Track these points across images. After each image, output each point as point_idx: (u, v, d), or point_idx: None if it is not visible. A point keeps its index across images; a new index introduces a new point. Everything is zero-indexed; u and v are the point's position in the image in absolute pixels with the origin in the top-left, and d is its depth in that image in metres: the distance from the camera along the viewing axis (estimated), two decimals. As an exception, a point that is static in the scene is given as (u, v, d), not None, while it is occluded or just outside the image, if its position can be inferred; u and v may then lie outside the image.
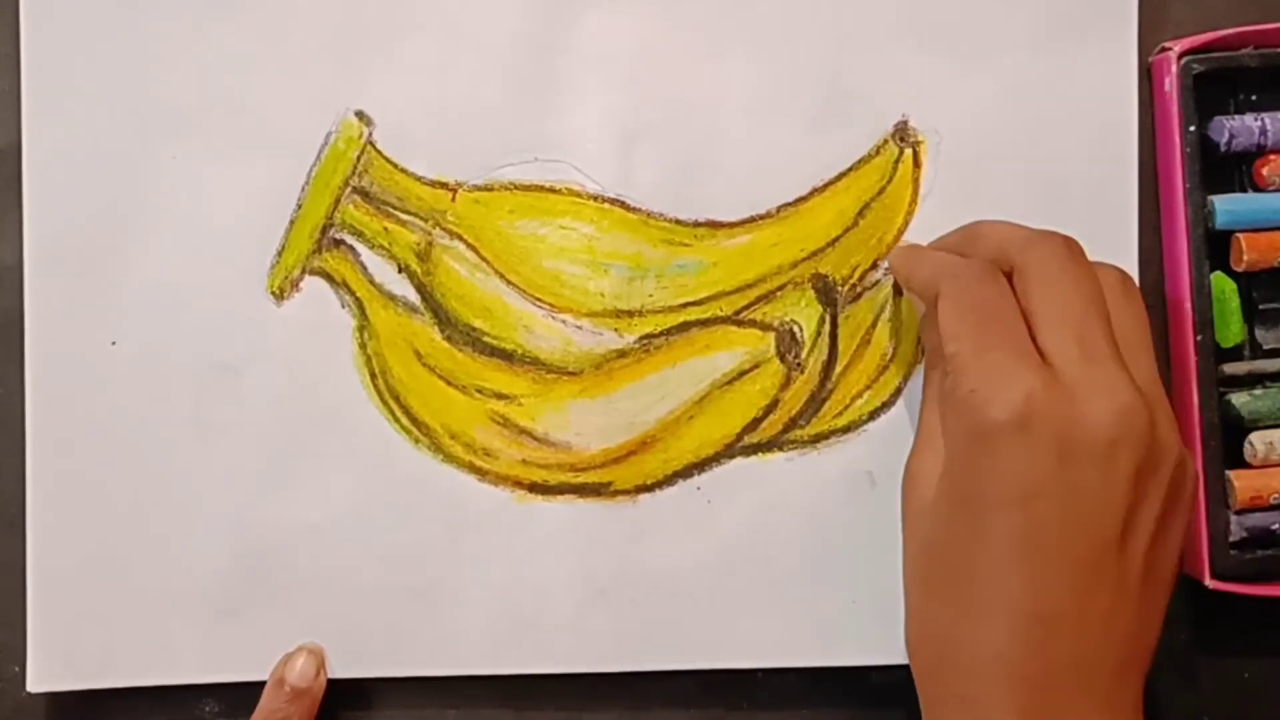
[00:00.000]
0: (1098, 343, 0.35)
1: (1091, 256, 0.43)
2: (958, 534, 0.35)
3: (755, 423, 0.43)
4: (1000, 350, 0.34)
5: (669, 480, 0.43)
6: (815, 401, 0.44)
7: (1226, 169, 0.44)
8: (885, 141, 0.43)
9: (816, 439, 0.44)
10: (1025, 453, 0.33)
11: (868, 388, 0.44)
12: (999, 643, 0.34)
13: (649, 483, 0.43)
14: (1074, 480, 0.33)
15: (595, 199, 0.43)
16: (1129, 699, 0.35)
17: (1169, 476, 0.35)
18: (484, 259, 0.43)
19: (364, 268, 0.43)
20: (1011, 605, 0.34)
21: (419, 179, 0.43)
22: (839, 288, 0.44)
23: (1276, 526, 0.43)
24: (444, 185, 0.43)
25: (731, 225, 0.43)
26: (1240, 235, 0.43)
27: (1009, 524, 0.34)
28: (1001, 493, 0.34)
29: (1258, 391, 0.43)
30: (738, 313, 0.43)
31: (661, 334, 0.43)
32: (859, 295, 0.44)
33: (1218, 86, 0.44)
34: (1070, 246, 0.37)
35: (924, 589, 0.36)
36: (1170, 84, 0.43)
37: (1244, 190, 0.44)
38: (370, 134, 0.43)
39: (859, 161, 0.43)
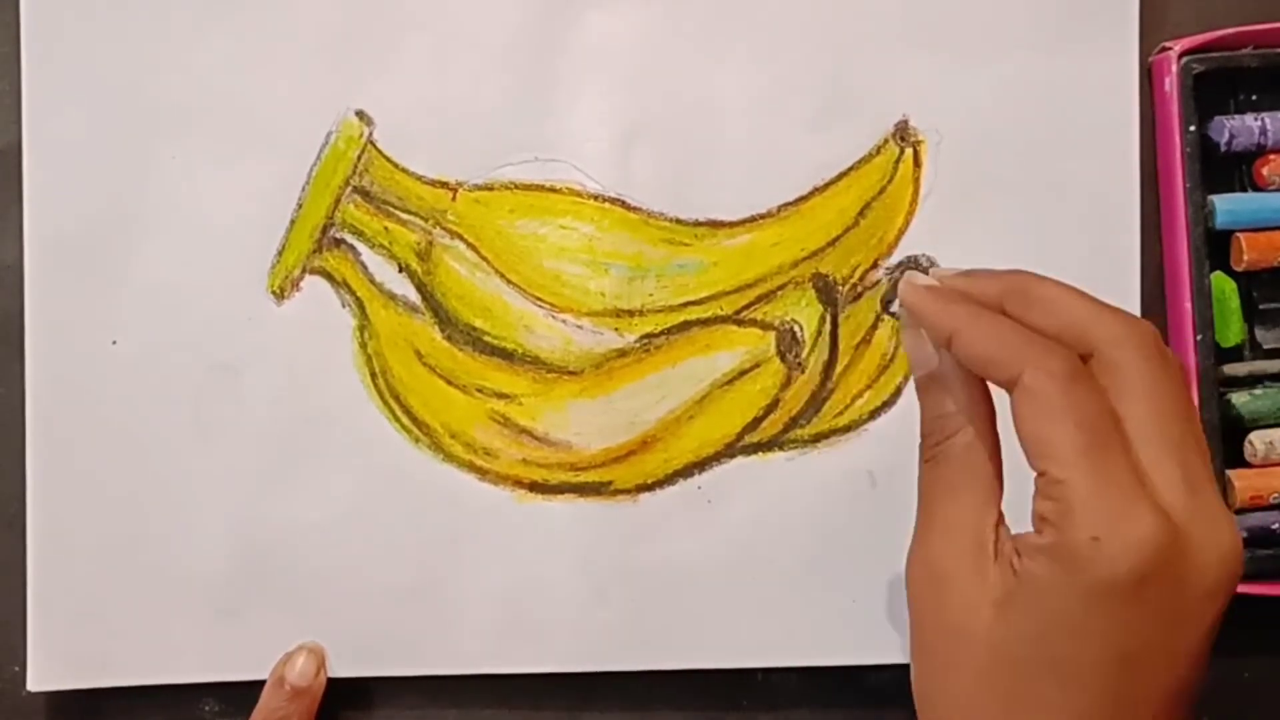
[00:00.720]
0: (1200, 468, 0.31)
1: (1093, 256, 0.44)
2: (1038, 688, 0.31)
3: (756, 422, 0.43)
4: (1119, 487, 0.30)
5: (669, 479, 0.43)
6: (816, 401, 0.44)
7: (1226, 169, 0.44)
8: (886, 141, 0.43)
9: (817, 438, 0.44)
10: (1138, 614, 0.30)
11: (868, 387, 0.44)
12: None
13: (649, 482, 0.43)
14: (1177, 642, 0.31)
15: (595, 198, 0.43)
16: None
17: (1222, 611, 0.32)
18: (484, 258, 0.43)
19: (364, 267, 0.43)
20: None
21: (419, 179, 0.43)
22: (839, 287, 0.44)
23: (1276, 526, 0.43)
24: (444, 185, 0.43)
25: (732, 225, 0.43)
26: (1240, 235, 0.43)
27: (1101, 683, 0.30)
28: (1102, 652, 0.30)
29: (1258, 391, 0.43)
30: (738, 312, 0.44)
31: (662, 333, 0.43)
32: (859, 295, 0.44)
33: (1218, 86, 0.44)
34: (1160, 342, 0.32)
35: (971, 701, 0.32)
36: (1170, 84, 0.43)
37: (1244, 190, 0.44)
38: (370, 134, 0.43)
39: (859, 161, 0.43)
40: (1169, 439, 0.31)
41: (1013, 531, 0.33)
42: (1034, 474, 0.31)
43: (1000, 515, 0.33)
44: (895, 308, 0.39)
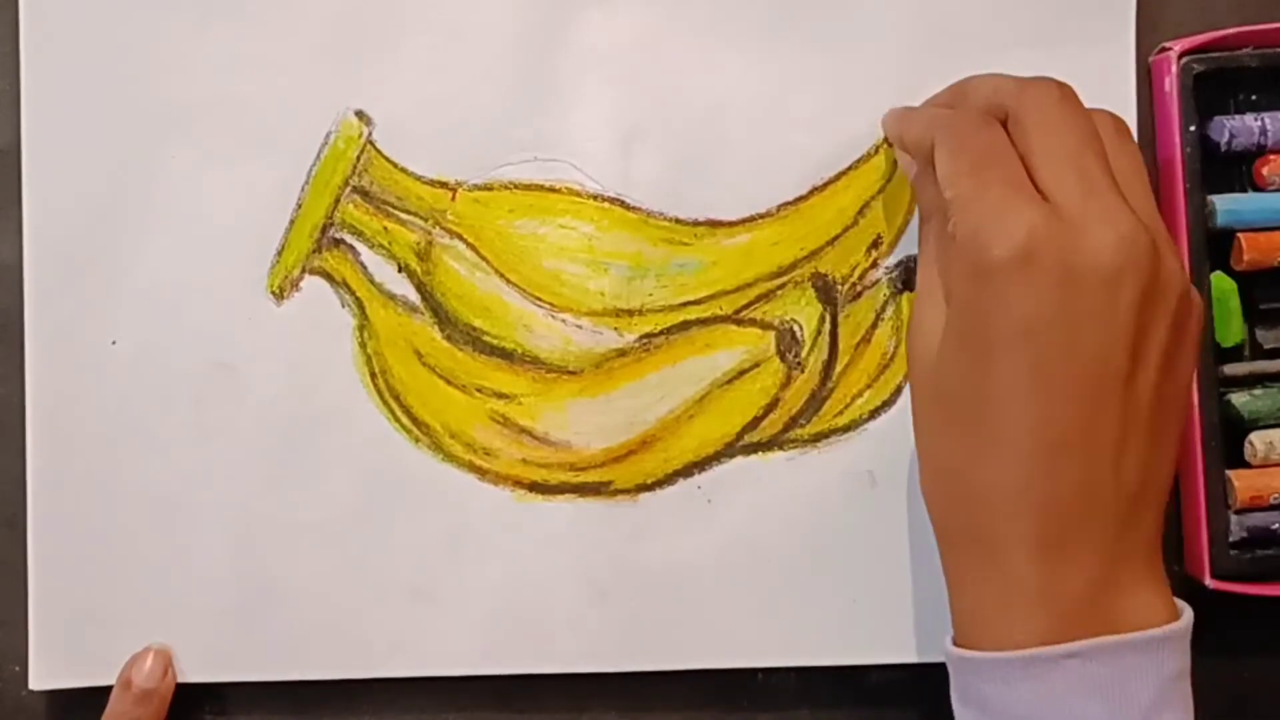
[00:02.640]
0: (1095, 176, 0.34)
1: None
2: (966, 372, 0.35)
3: (755, 422, 0.43)
4: (999, 188, 0.34)
5: (669, 479, 0.43)
6: (815, 400, 0.44)
7: (1226, 169, 0.44)
8: (885, 141, 0.43)
9: (817, 438, 0.44)
10: (1030, 286, 0.33)
11: (868, 387, 0.44)
12: (1011, 473, 0.34)
13: (649, 482, 0.43)
14: (1079, 309, 0.33)
15: (595, 198, 0.43)
16: (1144, 532, 0.35)
17: (1174, 306, 0.34)
18: (484, 258, 0.43)
19: (364, 267, 0.43)
20: (1022, 436, 0.34)
21: (419, 178, 0.43)
22: (839, 286, 0.44)
23: (1276, 526, 0.43)
24: (444, 185, 0.43)
25: (731, 224, 0.43)
26: (1240, 235, 0.43)
27: (1016, 357, 0.34)
28: (1007, 327, 0.33)
29: (1258, 391, 0.43)
30: (738, 312, 0.44)
31: (661, 333, 0.43)
32: (859, 294, 0.44)
33: (1218, 86, 0.44)
34: (1064, 89, 0.36)
35: (936, 431, 0.36)
36: (1170, 84, 0.43)
37: (1244, 190, 0.44)
38: (370, 133, 0.43)
39: (859, 160, 0.43)
40: (1063, 158, 0.35)
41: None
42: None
43: None
44: None
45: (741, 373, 0.43)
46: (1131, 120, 0.43)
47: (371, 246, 0.43)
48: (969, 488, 0.35)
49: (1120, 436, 0.34)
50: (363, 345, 0.43)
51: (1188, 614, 0.35)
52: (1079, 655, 0.33)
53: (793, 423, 0.44)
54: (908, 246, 0.43)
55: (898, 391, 0.43)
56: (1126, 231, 0.33)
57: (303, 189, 0.43)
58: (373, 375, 0.43)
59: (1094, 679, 0.33)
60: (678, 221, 0.43)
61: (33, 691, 0.43)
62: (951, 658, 0.36)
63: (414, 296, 0.43)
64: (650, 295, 0.43)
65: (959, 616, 0.36)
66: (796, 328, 0.44)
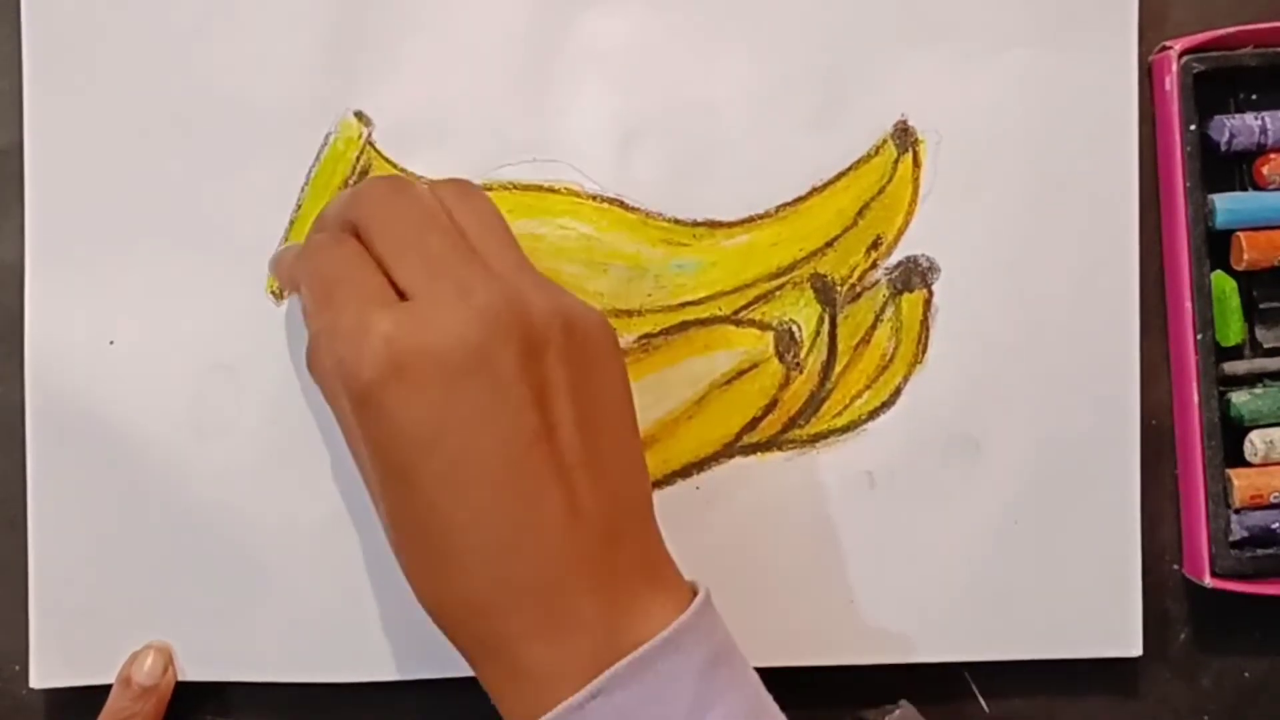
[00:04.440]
0: (438, 256, 0.34)
1: (1092, 256, 0.44)
2: (399, 502, 0.34)
3: (754, 422, 0.43)
4: (351, 307, 0.33)
5: (668, 480, 0.43)
6: (814, 401, 0.44)
7: (1226, 168, 0.44)
8: (884, 141, 0.43)
9: (815, 439, 0.44)
10: (410, 397, 0.32)
11: (867, 387, 0.44)
12: (482, 580, 0.33)
13: (648, 482, 0.43)
14: (468, 399, 0.32)
15: (594, 199, 0.43)
16: (635, 551, 0.35)
17: (564, 344, 0.34)
18: (483, 259, 0.43)
19: (363, 267, 0.43)
20: (472, 544, 0.33)
21: (418, 179, 0.43)
22: (838, 287, 0.44)
23: (1276, 525, 0.43)
24: (443, 185, 0.43)
25: (730, 225, 0.43)
26: (1240, 234, 0.43)
27: (429, 472, 0.33)
28: (406, 445, 0.33)
29: (1258, 390, 0.43)
30: (736, 312, 0.44)
31: (660, 334, 0.43)
32: (858, 295, 0.44)
33: (1218, 86, 0.44)
34: (392, 182, 0.36)
35: (405, 559, 0.35)
36: (1170, 83, 0.43)
37: (1244, 189, 0.44)
38: (369, 134, 0.43)
39: (858, 161, 0.43)
40: (407, 251, 0.34)
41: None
42: None
43: None
44: None
45: (740, 373, 0.43)
46: (1132, 119, 0.43)
47: (370, 247, 0.43)
48: (456, 605, 0.34)
49: (566, 492, 0.33)
50: (362, 345, 0.43)
51: (700, 596, 0.34)
52: (601, 692, 0.32)
53: (791, 423, 0.44)
54: (907, 247, 0.43)
55: (897, 392, 0.43)
56: (481, 301, 0.33)
57: (302, 189, 0.43)
58: (372, 375, 0.43)
59: (625, 707, 0.32)
60: (676, 222, 0.43)
61: (33, 690, 0.43)
62: None
63: (413, 297, 0.43)
64: (649, 296, 0.43)
65: (500, 707, 0.35)
66: (795, 328, 0.44)
